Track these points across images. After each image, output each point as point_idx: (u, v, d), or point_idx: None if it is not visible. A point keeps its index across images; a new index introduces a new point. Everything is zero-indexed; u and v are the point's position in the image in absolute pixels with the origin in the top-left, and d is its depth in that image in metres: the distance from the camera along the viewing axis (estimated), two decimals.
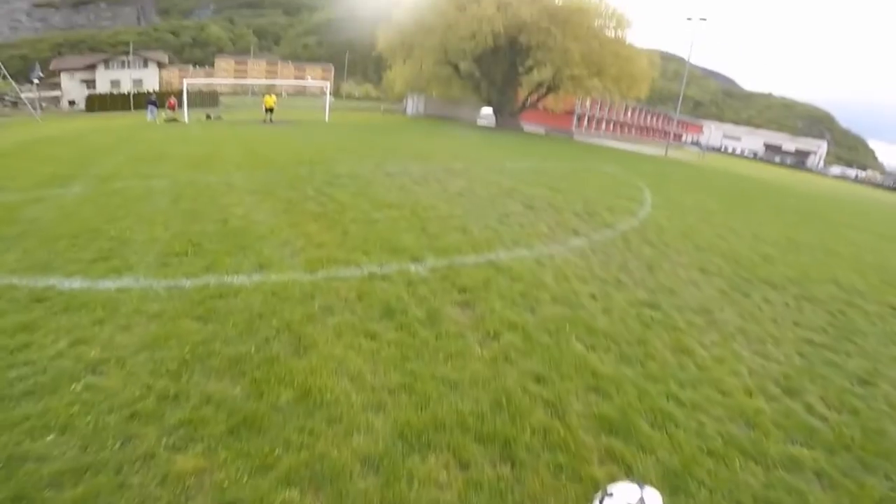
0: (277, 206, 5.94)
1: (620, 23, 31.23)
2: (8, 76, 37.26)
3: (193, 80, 45.35)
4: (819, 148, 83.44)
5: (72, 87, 53.87)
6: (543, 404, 2.69)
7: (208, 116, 26.96)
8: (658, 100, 76.04)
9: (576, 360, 3.18)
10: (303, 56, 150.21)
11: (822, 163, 79.29)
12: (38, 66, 42.86)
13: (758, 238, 7.74)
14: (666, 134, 50.60)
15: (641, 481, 1.73)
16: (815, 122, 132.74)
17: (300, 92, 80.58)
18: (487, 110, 42.01)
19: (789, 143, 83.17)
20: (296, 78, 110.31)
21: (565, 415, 2.62)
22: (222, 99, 50.46)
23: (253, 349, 2.89)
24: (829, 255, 7.49)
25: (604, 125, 54.77)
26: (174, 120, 24.44)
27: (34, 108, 37.19)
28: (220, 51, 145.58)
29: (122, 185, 6.83)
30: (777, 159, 71.01)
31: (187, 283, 3.74)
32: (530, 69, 33.77)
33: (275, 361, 2.79)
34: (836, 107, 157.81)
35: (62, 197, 6.24)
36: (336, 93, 61.64)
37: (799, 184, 29.98)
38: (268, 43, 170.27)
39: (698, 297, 4.65)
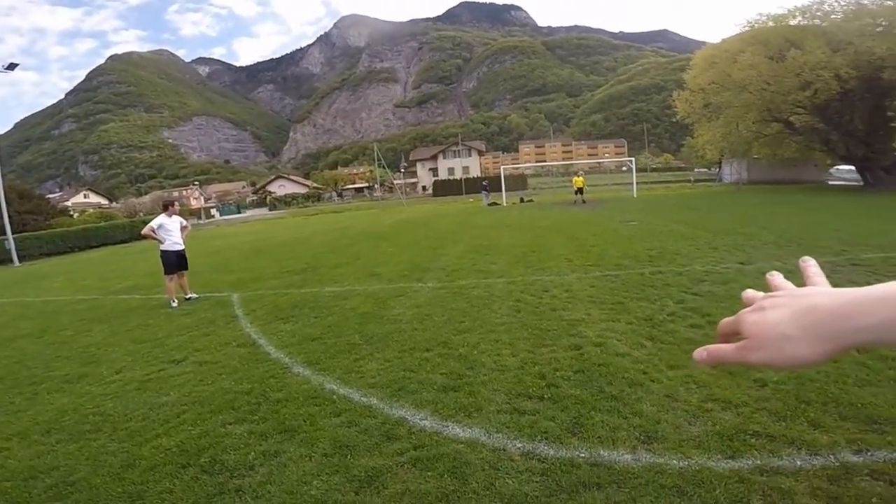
0: (637, 327, 4.31)
1: None
2: (386, 166, 52.35)
3: (506, 165, 52.59)
4: None
5: (423, 175, 71.41)
6: None
7: (521, 199, 29.62)
8: None
9: None
10: (592, 133, 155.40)
11: None
12: (403, 157, 59.10)
13: None
14: None
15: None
16: None
17: (594, 169, 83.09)
18: (845, 168, 32.58)
19: None
20: (589, 156, 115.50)
21: None
22: (529, 181, 54.33)
23: None
24: None
25: None
26: (495, 203, 27.81)
27: (402, 193, 50.66)
28: (521, 136, 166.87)
29: (464, 284, 6.73)
30: None
31: (548, 451, 2.65)
32: None
33: None
34: None
35: (418, 294, 6.38)
36: None
37: None
38: (559, 125, 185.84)
39: None
